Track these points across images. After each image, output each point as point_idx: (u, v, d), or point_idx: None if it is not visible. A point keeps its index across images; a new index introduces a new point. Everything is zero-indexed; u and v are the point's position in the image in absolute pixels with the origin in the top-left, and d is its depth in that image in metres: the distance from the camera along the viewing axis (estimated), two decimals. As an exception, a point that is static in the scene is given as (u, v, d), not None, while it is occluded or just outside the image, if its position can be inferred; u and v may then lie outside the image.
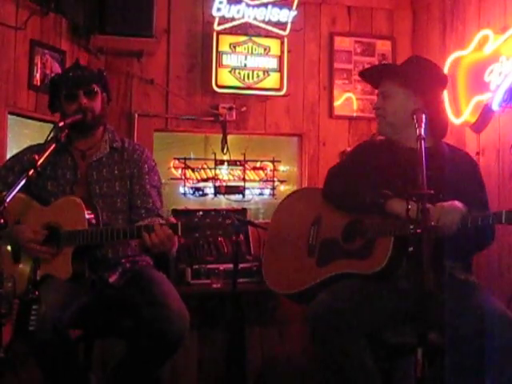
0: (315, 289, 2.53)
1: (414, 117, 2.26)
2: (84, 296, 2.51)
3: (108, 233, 2.42)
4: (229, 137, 4.31)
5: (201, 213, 2.32)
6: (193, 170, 4.37)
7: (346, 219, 2.55)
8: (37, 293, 2.22)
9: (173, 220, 2.40)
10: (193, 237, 2.34)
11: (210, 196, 4.37)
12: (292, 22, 4.30)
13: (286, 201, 2.97)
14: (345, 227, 2.55)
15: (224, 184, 4.38)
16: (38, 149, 2.67)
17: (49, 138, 2.62)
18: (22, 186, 2.34)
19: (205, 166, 4.38)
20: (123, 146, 2.82)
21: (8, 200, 2.25)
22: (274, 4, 4.26)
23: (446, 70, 3.67)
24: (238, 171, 4.42)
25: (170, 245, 2.37)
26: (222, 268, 3.85)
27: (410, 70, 2.56)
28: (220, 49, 4.24)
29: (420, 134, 2.17)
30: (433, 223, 2.17)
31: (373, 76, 2.72)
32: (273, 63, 4.33)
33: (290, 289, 2.68)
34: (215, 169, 4.36)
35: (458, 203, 2.27)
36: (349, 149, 4.46)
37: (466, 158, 2.66)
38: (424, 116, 2.29)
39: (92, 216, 2.54)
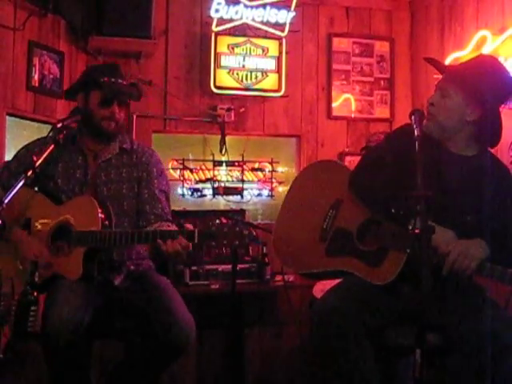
0: (319, 275, 2.58)
1: (413, 118, 2.24)
2: (95, 299, 2.50)
3: (122, 236, 2.41)
4: (227, 138, 4.31)
5: (217, 221, 2.31)
6: (191, 171, 4.36)
7: (365, 215, 2.48)
8: (35, 294, 2.22)
9: (189, 227, 2.38)
10: (209, 244, 2.33)
11: (209, 197, 4.36)
12: (290, 23, 4.31)
13: (313, 169, 2.88)
14: (362, 223, 2.48)
15: (222, 185, 4.37)
16: (45, 142, 2.66)
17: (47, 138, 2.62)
18: (23, 185, 2.33)
19: (203, 167, 4.38)
20: (132, 147, 2.80)
21: (6, 201, 2.25)
22: (272, 5, 4.26)
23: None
24: (236, 172, 4.42)
25: (185, 254, 2.35)
26: (220, 269, 3.85)
27: (477, 77, 2.38)
28: (218, 50, 4.24)
29: (418, 135, 2.15)
30: (448, 262, 2.18)
31: (438, 66, 2.59)
32: (271, 64, 4.34)
33: (294, 267, 2.68)
34: (214, 170, 4.36)
35: (481, 245, 2.22)
36: (347, 150, 4.48)
37: (507, 175, 2.51)
38: (474, 127, 2.30)
39: (104, 217, 2.53)
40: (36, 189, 2.61)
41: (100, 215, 2.50)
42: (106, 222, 2.52)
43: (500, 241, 2.26)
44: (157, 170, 2.79)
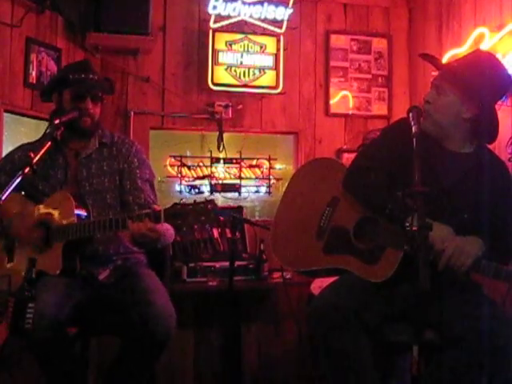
0: (316, 272, 2.59)
1: (411, 114, 2.23)
2: (78, 294, 2.50)
3: (95, 225, 2.41)
4: (225, 135, 4.31)
5: (183, 200, 2.29)
6: (189, 167, 4.37)
7: (362, 212, 2.47)
8: (33, 290, 2.22)
9: (157, 208, 2.35)
10: (176, 224, 2.31)
11: (206, 194, 4.36)
12: (288, 20, 4.31)
13: (311, 166, 2.87)
14: (359, 221, 2.47)
15: (220, 182, 4.38)
16: (30, 147, 2.68)
17: (44, 135, 2.62)
18: (18, 185, 2.33)
19: (201, 164, 4.38)
20: (112, 140, 2.80)
21: (4, 198, 2.24)
22: (269, 2, 4.26)
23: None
24: (234, 169, 4.42)
25: (153, 236, 2.34)
26: (218, 266, 3.85)
27: (473, 74, 2.34)
28: (216, 46, 4.24)
29: (416, 132, 2.15)
30: (443, 258, 2.17)
31: (434, 63, 2.56)
32: (269, 61, 4.33)
33: (291, 264, 2.68)
34: (211, 167, 4.36)
35: (477, 242, 2.21)
36: (345, 147, 4.48)
37: (504, 172, 2.49)
38: (470, 124, 2.30)
39: (84, 213, 2.54)
40: (23, 193, 2.64)
41: (74, 208, 2.51)
42: (85, 216, 2.53)
43: (497, 238, 2.27)
44: (138, 160, 2.78)
